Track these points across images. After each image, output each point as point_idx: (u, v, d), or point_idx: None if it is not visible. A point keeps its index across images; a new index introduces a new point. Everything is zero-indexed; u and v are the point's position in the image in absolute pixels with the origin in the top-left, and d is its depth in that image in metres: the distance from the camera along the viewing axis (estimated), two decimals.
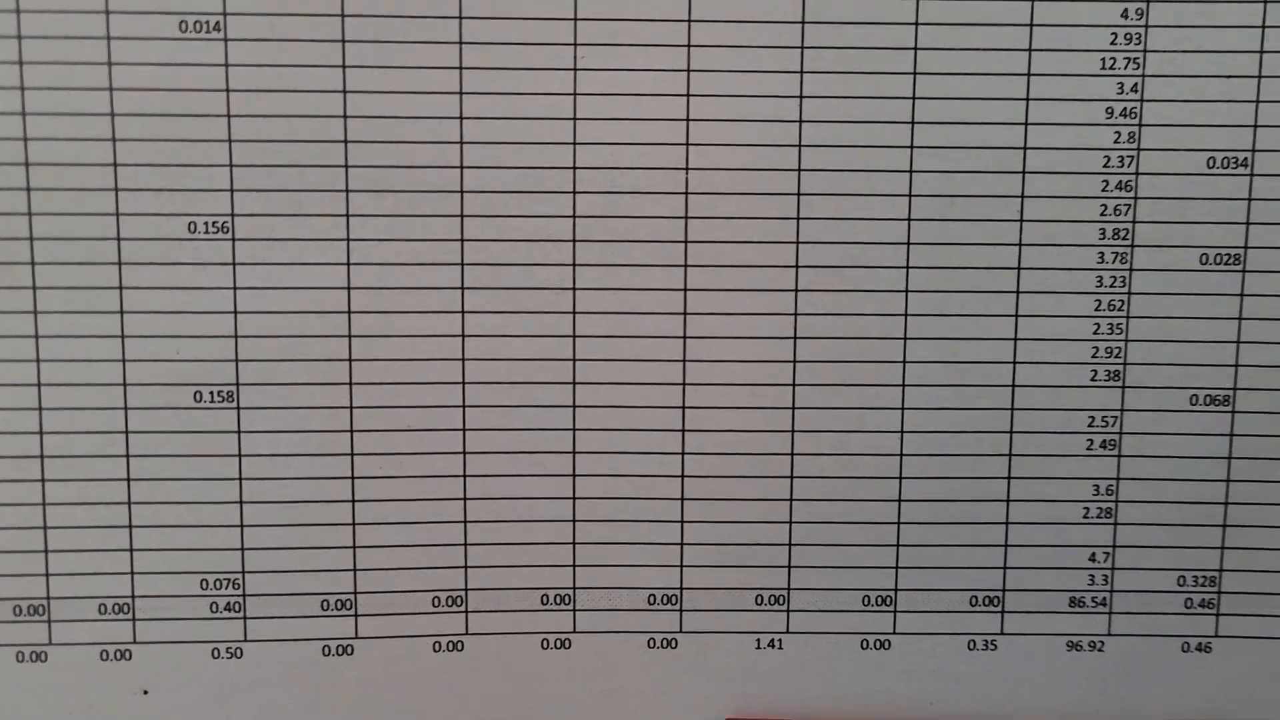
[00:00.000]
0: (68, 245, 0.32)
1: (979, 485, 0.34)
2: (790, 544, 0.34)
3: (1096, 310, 0.33)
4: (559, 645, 0.35)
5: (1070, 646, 0.35)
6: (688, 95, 0.32)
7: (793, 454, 0.34)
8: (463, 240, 0.33)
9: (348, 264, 0.33)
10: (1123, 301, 0.33)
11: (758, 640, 0.35)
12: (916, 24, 0.32)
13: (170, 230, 0.32)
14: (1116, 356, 0.34)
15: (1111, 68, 0.32)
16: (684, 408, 0.34)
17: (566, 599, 0.34)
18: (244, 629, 0.34)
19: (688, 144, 0.32)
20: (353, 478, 0.33)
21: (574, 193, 0.33)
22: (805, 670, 0.35)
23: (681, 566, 0.34)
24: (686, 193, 0.33)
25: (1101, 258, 0.33)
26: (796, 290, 0.33)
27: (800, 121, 0.32)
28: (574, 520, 0.34)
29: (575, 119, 0.32)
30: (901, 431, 0.34)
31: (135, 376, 0.33)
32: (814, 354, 0.33)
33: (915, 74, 0.32)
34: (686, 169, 0.33)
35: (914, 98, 0.32)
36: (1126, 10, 0.32)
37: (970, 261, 0.33)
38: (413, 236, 0.33)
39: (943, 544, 0.34)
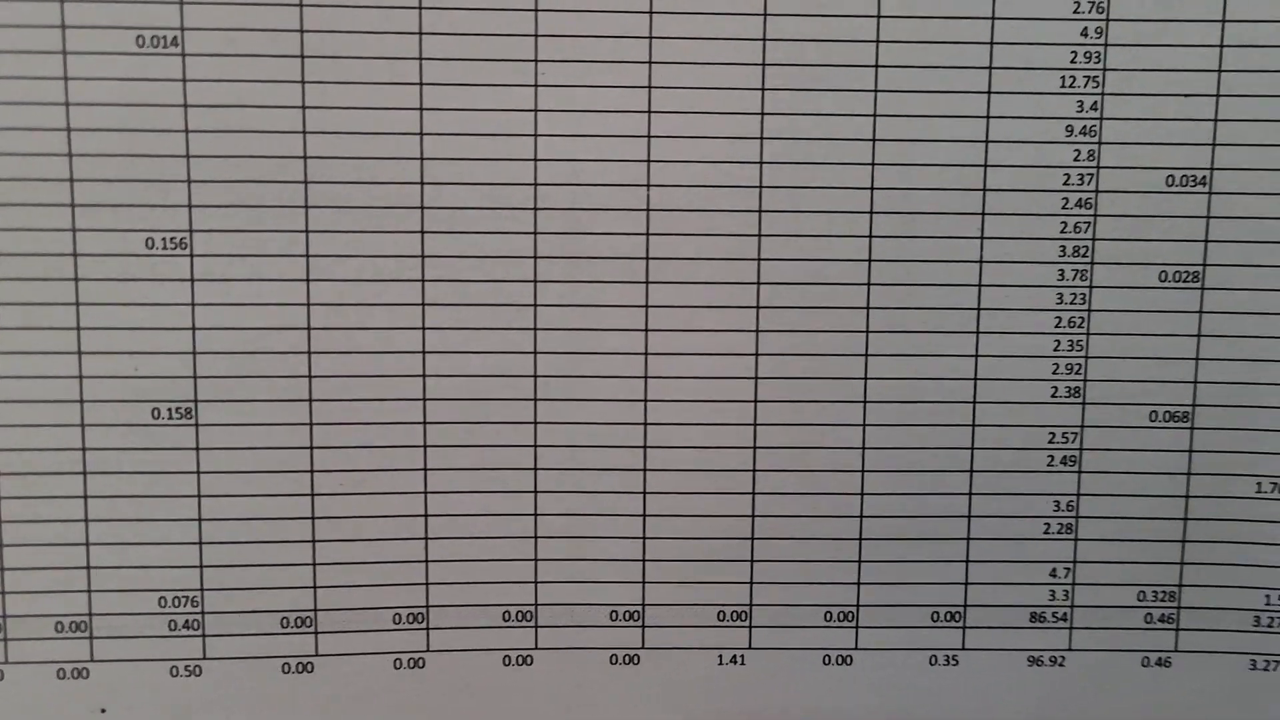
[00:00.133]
0: (24, 260, 0.32)
1: (940, 501, 0.34)
2: (752, 560, 0.34)
3: (1057, 327, 0.33)
4: (521, 662, 0.35)
5: (1031, 661, 0.35)
6: (649, 112, 0.32)
7: (754, 470, 0.34)
8: (423, 257, 0.33)
9: (307, 280, 0.32)
10: (1083, 318, 0.33)
11: (720, 656, 0.35)
12: (877, 42, 0.32)
13: (128, 246, 0.32)
14: (1077, 373, 0.34)
15: (1071, 86, 0.32)
16: (646, 424, 0.34)
17: (528, 615, 0.34)
18: (203, 647, 0.34)
19: (649, 161, 0.32)
20: (313, 494, 0.33)
21: (535, 209, 0.32)
22: (768, 686, 0.35)
23: (644, 583, 0.34)
24: (648, 209, 0.33)
25: (1062, 275, 0.33)
26: (758, 307, 0.33)
27: (761, 139, 0.32)
28: (535, 536, 0.34)
29: (537, 135, 0.32)
30: (863, 448, 0.34)
31: (93, 393, 0.32)
32: (775, 370, 0.33)
33: (876, 91, 0.32)
34: (648, 186, 0.33)
35: (875, 115, 0.32)
36: (1086, 29, 0.32)
37: (931, 278, 0.33)
38: (373, 253, 0.32)
39: (904, 560, 0.34)
